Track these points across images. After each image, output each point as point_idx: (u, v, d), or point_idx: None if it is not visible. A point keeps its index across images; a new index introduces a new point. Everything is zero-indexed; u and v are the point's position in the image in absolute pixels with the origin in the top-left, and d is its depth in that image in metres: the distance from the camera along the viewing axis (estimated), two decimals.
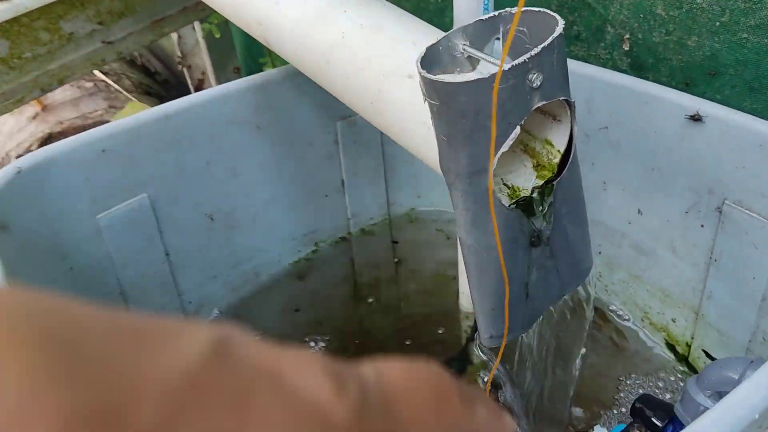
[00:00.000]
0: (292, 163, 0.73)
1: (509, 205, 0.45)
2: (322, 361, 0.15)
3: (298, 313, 0.76)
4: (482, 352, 0.64)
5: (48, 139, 1.11)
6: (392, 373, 0.17)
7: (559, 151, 0.47)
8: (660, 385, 0.64)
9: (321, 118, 0.73)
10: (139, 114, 0.62)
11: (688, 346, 0.64)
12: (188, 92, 1.30)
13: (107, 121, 1.15)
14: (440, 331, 0.74)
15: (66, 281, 0.58)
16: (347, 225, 0.82)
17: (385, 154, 0.80)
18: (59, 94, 1.17)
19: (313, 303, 0.77)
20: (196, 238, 0.69)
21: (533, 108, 0.41)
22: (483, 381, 0.65)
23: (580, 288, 0.54)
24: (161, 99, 1.26)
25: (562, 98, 0.42)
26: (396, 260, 0.83)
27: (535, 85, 0.40)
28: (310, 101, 0.72)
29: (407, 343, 0.72)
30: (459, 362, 0.70)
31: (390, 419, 0.16)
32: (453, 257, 0.79)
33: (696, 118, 0.53)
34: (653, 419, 0.54)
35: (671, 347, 0.66)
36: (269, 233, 0.75)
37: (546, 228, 0.48)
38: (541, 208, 0.47)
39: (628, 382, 0.65)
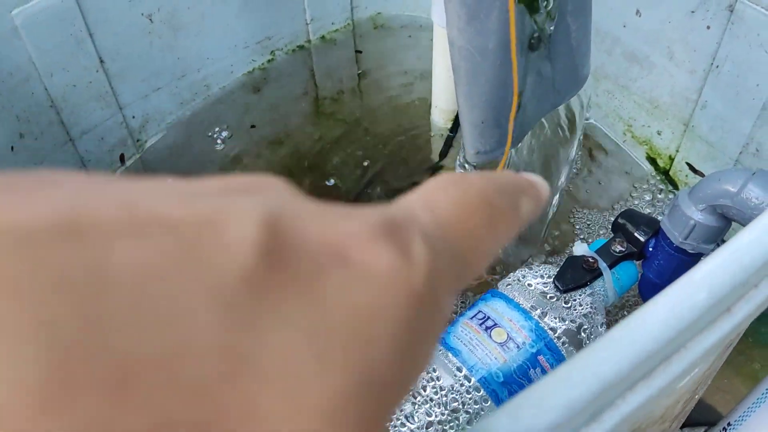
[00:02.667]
0: None
1: None
2: (379, 221, 0.13)
3: (254, 129, 0.70)
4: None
5: None
6: (443, 205, 0.15)
7: None
8: (637, 199, 0.62)
9: None
10: None
11: (671, 159, 0.62)
12: None
13: None
14: (410, 149, 0.69)
15: None
16: (306, 31, 0.73)
17: None
18: None
19: (271, 119, 0.71)
20: (134, 42, 0.59)
21: None
22: None
23: (574, 98, 0.49)
24: None
25: None
26: (360, 72, 0.75)
27: None
28: None
29: (368, 163, 0.68)
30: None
31: (457, 258, 0.14)
32: (424, 68, 0.72)
33: None
34: (636, 234, 0.53)
35: (652, 161, 0.63)
36: (219, 39, 0.66)
37: (548, 27, 0.42)
38: (545, 3, 0.40)
39: (606, 197, 0.63)
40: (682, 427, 0.53)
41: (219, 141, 0.68)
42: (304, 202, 0.13)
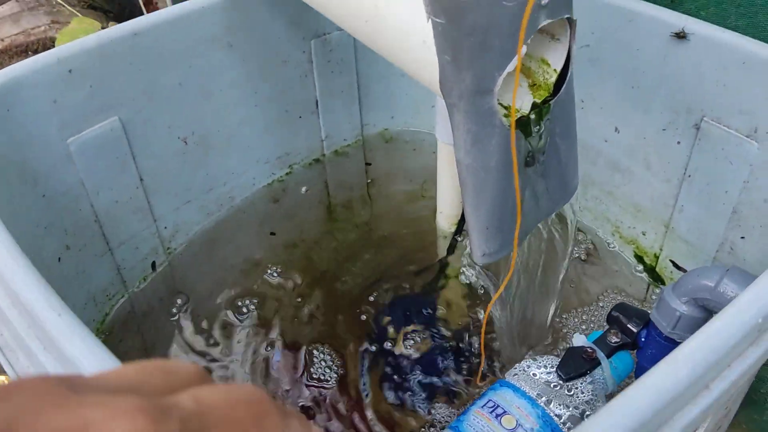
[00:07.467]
0: (266, 83, 0.71)
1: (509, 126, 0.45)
2: (136, 402, 0.15)
3: (274, 237, 0.76)
4: (471, 271, 0.66)
5: None
6: (210, 397, 0.17)
7: (555, 70, 0.48)
8: (628, 294, 0.68)
9: (295, 36, 0.70)
10: (105, 31, 0.58)
11: (656, 257, 0.68)
12: (136, 7, 1.22)
13: (51, 38, 1.07)
14: (415, 250, 0.75)
15: (39, 209, 0.56)
16: (321, 147, 0.81)
17: (359, 73, 0.78)
18: None
19: (288, 226, 0.77)
20: (170, 162, 0.66)
21: (539, 26, 0.40)
22: (466, 288, 0.67)
23: (566, 207, 0.55)
24: (106, 14, 1.19)
25: (565, 16, 0.42)
26: (369, 181, 0.83)
27: (543, 2, 0.39)
28: (284, 18, 0.69)
29: (382, 262, 0.73)
30: (435, 274, 0.71)
31: None
32: (427, 176, 0.80)
33: (681, 36, 0.54)
34: (629, 325, 0.57)
35: (639, 258, 0.69)
36: (243, 156, 0.74)
37: (540, 147, 0.49)
38: (537, 128, 0.48)
39: (599, 292, 0.68)
40: None
41: (240, 248, 0.74)
42: (54, 397, 0.15)
